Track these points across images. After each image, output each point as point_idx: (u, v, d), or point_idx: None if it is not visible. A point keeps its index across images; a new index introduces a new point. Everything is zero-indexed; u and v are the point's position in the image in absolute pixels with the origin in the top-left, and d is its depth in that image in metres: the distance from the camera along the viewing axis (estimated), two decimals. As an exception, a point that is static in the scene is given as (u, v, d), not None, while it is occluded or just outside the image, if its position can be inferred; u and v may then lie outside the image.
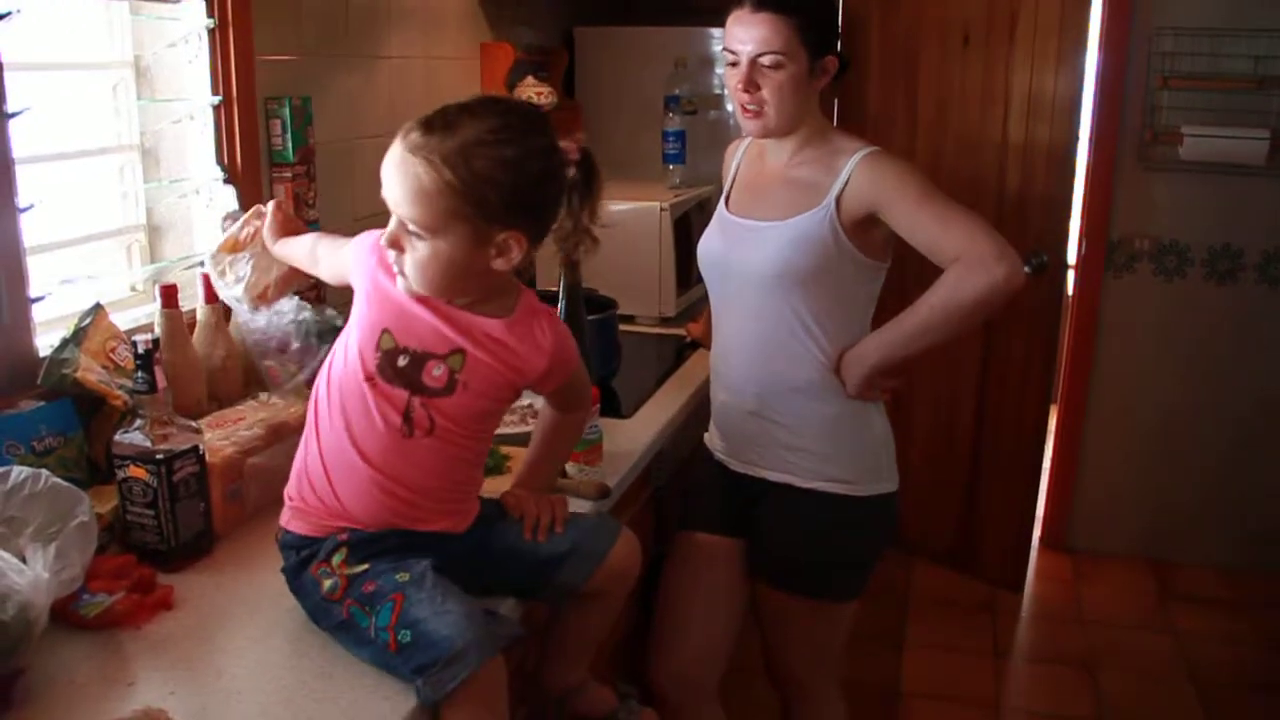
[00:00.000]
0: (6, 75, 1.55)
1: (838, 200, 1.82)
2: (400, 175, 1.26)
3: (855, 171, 1.82)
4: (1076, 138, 3.39)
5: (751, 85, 1.83)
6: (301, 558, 1.35)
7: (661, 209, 2.87)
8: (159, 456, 1.44)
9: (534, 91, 3.01)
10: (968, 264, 1.75)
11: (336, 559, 1.32)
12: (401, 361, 1.33)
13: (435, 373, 1.33)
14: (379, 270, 1.36)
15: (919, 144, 3.64)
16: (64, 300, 1.75)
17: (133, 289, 2.04)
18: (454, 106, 1.27)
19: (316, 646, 1.31)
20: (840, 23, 1.89)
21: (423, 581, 1.27)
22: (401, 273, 1.32)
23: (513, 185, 1.26)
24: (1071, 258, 3.67)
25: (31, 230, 1.70)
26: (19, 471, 1.31)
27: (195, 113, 1.96)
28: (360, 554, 1.32)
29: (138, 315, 1.92)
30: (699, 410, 2.23)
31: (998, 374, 3.63)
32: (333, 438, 1.34)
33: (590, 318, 2.18)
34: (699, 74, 3.33)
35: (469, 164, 1.23)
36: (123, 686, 1.22)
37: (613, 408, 2.17)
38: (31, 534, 1.28)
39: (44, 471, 1.32)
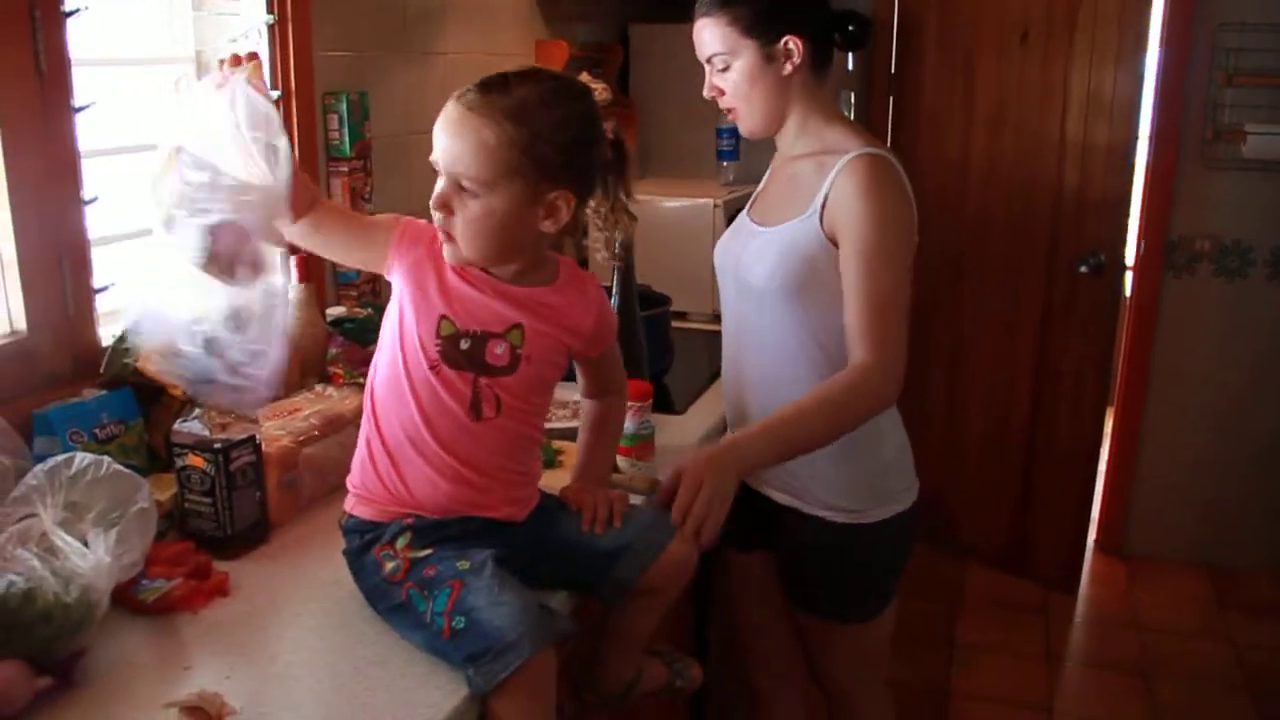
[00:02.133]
0: (76, 70, 1.58)
1: (822, 207, 1.69)
2: (460, 131, 1.28)
3: (838, 177, 1.67)
4: (1136, 136, 3.34)
5: (714, 90, 1.79)
6: (365, 541, 1.36)
7: (714, 205, 2.87)
8: (217, 446, 1.46)
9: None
10: (867, 380, 1.64)
11: (401, 542, 1.33)
12: (464, 345, 1.34)
13: (498, 351, 1.35)
14: (428, 260, 1.37)
15: (975, 142, 3.61)
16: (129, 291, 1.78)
17: (193, 281, 2.07)
18: (503, 73, 1.30)
19: (371, 634, 1.33)
20: (804, 3, 1.73)
21: (482, 570, 1.27)
22: (450, 238, 1.32)
23: (568, 144, 1.30)
24: (1130, 258, 3.62)
25: (97, 222, 1.74)
26: (82, 458, 1.33)
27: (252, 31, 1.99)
28: (425, 539, 1.33)
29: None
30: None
31: (1053, 375, 3.59)
32: (399, 428, 1.35)
33: (643, 314, 2.18)
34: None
35: (530, 120, 1.27)
36: (179, 670, 1.25)
37: (665, 403, 2.17)
38: (93, 519, 1.30)
39: (106, 458, 1.35)
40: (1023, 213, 3.55)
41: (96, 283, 1.64)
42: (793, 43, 1.70)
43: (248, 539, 1.53)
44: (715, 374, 2.37)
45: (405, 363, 1.35)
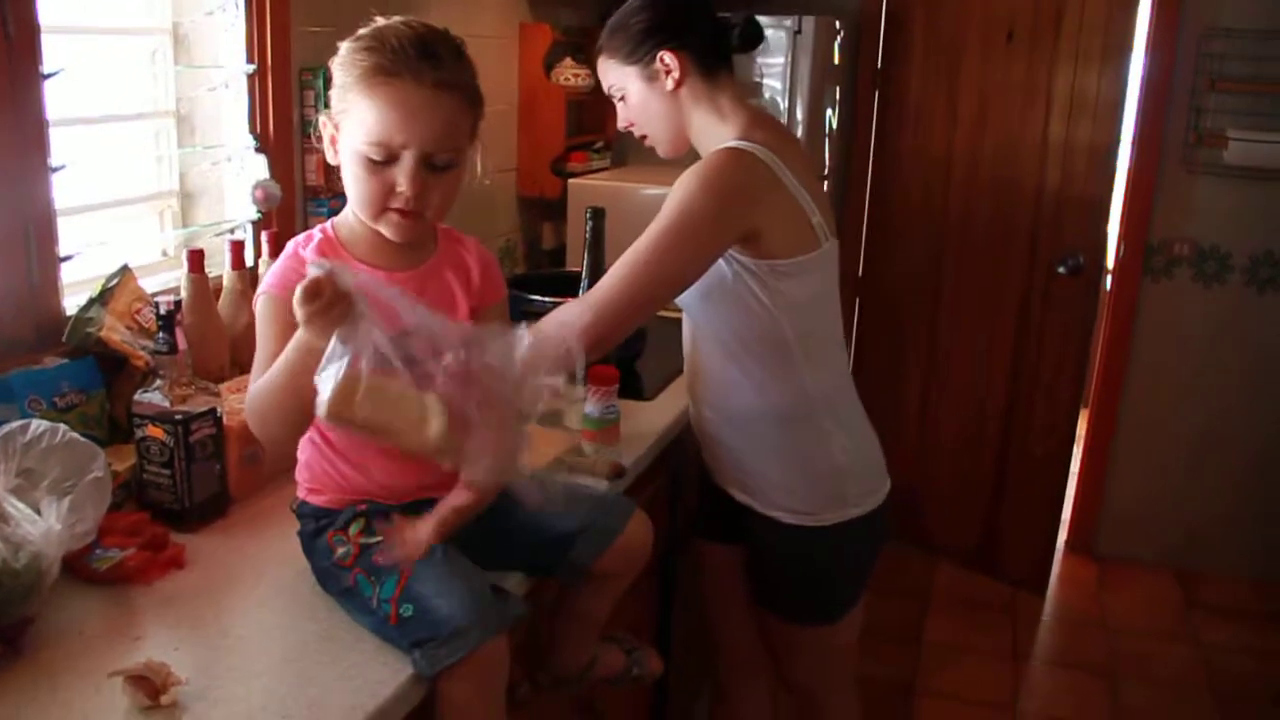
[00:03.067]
0: (47, 37, 1.57)
1: None
2: (435, 111, 1.27)
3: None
4: (1118, 138, 3.35)
5: (625, 123, 1.84)
6: (319, 525, 1.36)
7: (693, 195, 2.85)
8: (177, 417, 1.46)
9: (571, 74, 3.02)
10: (566, 317, 1.65)
11: (354, 528, 1.33)
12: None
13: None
14: None
15: (958, 141, 3.61)
16: (96, 262, 1.77)
17: (164, 254, 2.06)
18: (421, 39, 1.27)
19: (323, 610, 1.33)
20: (675, 14, 1.74)
21: (431, 556, 1.27)
22: (414, 216, 1.30)
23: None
24: (1109, 260, 3.64)
25: (67, 192, 1.73)
26: (37, 425, 1.33)
27: (230, 81, 1.98)
28: (374, 520, 1.33)
29: (167, 279, 1.94)
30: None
31: (1029, 374, 3.60)
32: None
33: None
34: (739, 60, 3.30)
35: (473, 79, 1.33)
36: (129, 640, 1.24)
37: (635, 390, 2.17)
38: (47, 487, 1.30)
39: (62, 426, 1.35)
40: (1004, 213, 3.56)
41: (62, 251, 1.63)
42: (667, 57, 1.72)
43: (206, 512, 1.53)
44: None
45: None
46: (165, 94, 2.03)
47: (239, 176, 2.04)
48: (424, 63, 1.25)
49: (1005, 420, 3.69)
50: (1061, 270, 3.42)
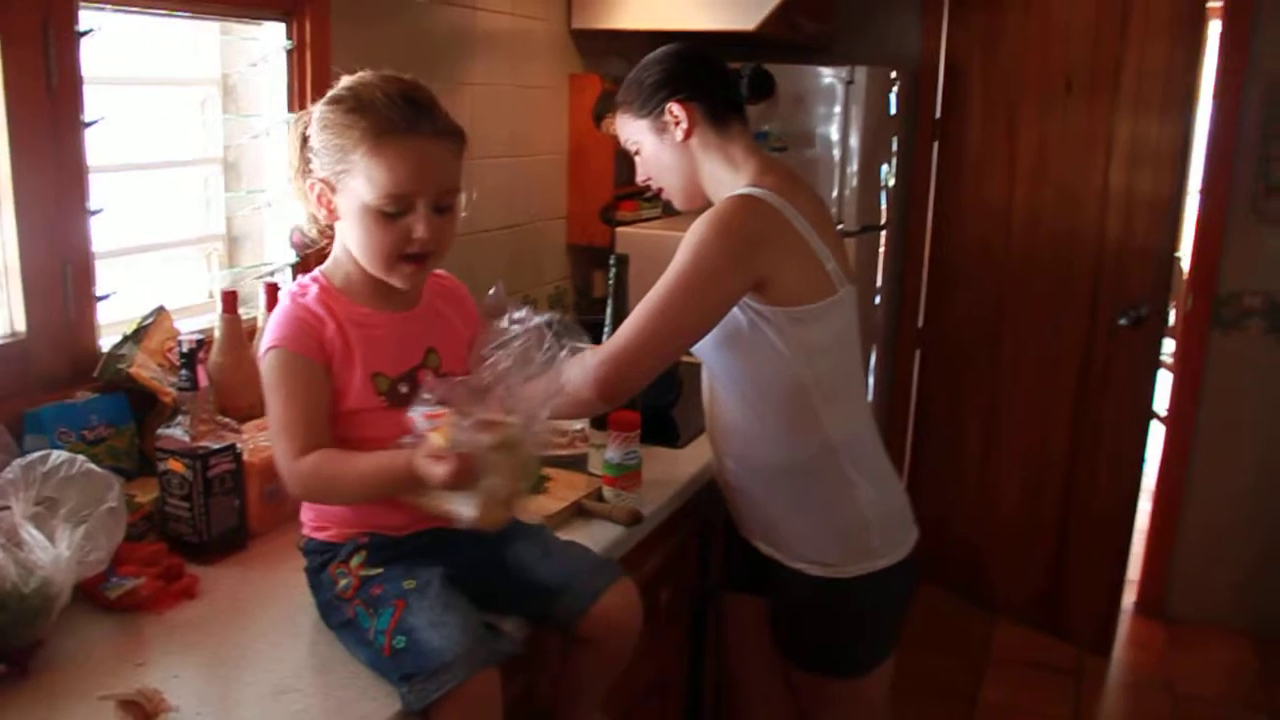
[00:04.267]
0: (100, 88, 1.66)
1: None
2: (444, 157, 1.34)
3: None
4: (1183, 188, 3.29)
5: (643, 178, 1.87)
6: (323, 559, 1.39)
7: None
8: (196, 452, 1.50)
9: (622, 124, 3.05)
10: (582, 366, 1.63)
11: (356, 560, 1.36)
12: (404, 389, 1.38)
13: (429, 379, 1.39)
14: (337, 329, 1.35)
15: (1018, 191, 3.57)
16: (142, 303, 1.83)
17: (210, 295, 2.13)
18: (407, 88, 1.33)
19: (322, 644, 1.35)
20: (684, 67, 1.77)
21: (427, 590, 1.29)
22: (424, 261, 1.36)
23: None
24: (1172, 313, 3.55)
25: (115, 234, 1.81)
26: (57, 455, 1.38)
27: (271, 128, 2.05)
28: (378, 557, 1.36)
29: (213, 320, 1.99)
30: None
31: (1091, 427, 3.51)
32: None
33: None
34: (793, 111, 3.33)
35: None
36: (132, 666, 1.27)
37: (667, 437, 2.17)
38: (64, 515, 1.34)
39: (80, 457, 1.39)
40: (1064, 263, 3.50)
41: (100, 290, 1.69)
42: (675, 108, 1.74)
43: (224, 545, 1.56)
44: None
45: (340, 423, 1.36)
46: (213, 141, 2.11)
47: (279, 220, 2.11)
48: (422, 115, 1.32)
49: (1067, 474, 3.59)
50: (1123, 322, 3.33)
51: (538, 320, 1.32)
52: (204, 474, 1.50)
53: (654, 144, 1.79)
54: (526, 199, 2.86)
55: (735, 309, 1.68)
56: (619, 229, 3.02)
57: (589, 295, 3.23)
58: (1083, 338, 3.49)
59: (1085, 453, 3.54)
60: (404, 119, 1.29)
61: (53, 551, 1.26)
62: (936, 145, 3.77)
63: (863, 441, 1.80)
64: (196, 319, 1.98)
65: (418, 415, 1.27)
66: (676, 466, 2.03)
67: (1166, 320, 3.46)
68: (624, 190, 3.13)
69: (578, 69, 3.00)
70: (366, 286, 1.39)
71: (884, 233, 3.61)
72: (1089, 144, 3.39)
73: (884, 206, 3.59)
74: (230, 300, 1.79)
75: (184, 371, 1.50)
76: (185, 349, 1.49)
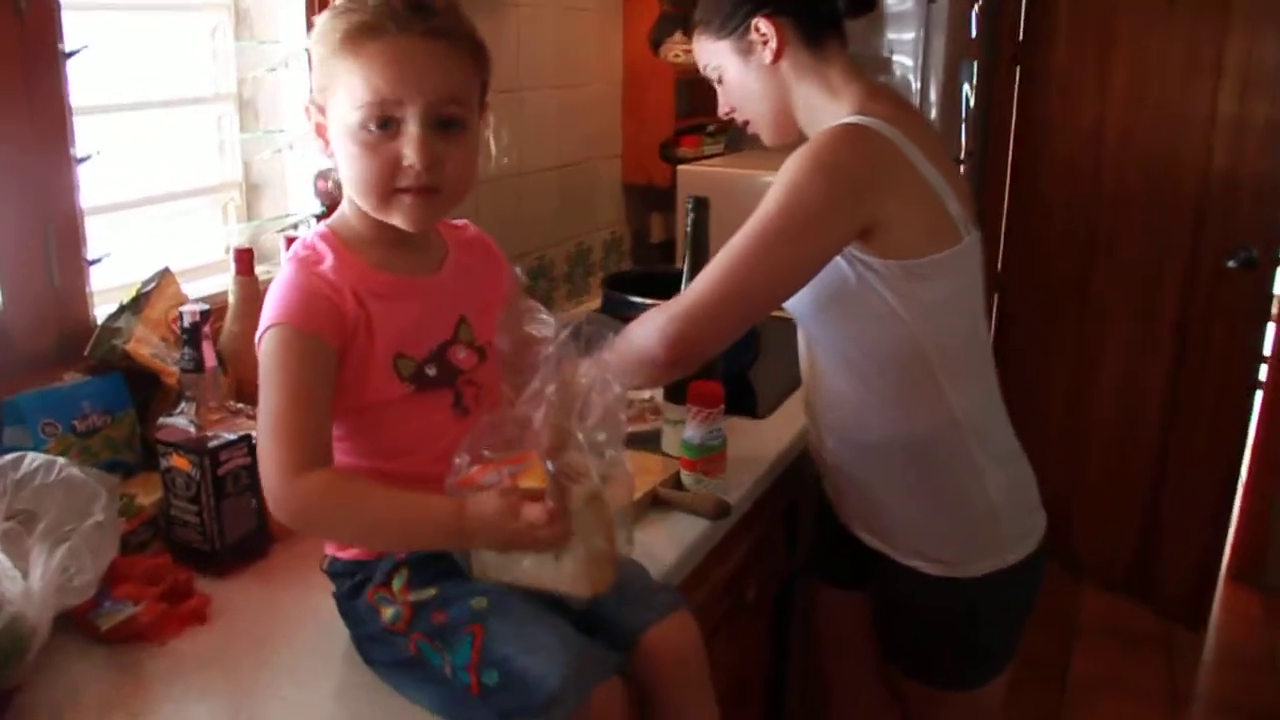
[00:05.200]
0: (91, 14, 1.41)
1: None
2: (432, 59, 1.05)
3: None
4: (1303, 115, 2.95)
5: (726, 108, 1.60)
6: (355, 583, 1.14)
7: (812, 182, 2.57)
8: (204, 445, 1.26)
9: (682, 49, 2.74)
10: (650, 326, 1.39)
11: (397, 582, 1.11)
12: (431, 371, 1.13)
13: (461, 355, 1.15)
14: (356, 302, 1.08)
15: (1110, 117, 3.24)
16: (148, 264, 1.58)
17: (227, 252, 1.88)
18: None
19: (355, 684, 1.11)
20: None
21: (506, 606, 1.06)
22: (432, 194, 1.08)
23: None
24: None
25: (109, 187, 1.56)
26: (32, 459, 1.14)
27: (290, 58, 1.78)
28: (425, 574, 1.11)
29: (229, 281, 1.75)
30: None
31: (1191, 378, 3.21)
32: (373, 458, 1.13)
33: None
34: (868, 32, 3.01)
35: (475, 31, 1.12)
36: (125, 716, 1.04)
37: (746, 405, 1.90)
38: (42, 532, 1.10)
39: (60, 460, 1.15)
40: (1163, 197, 3.17)
41: (90, 254, 1.44)
42: (762, 24, 1.47)
43: (241, 553, 1.32)
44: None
45: (361, 409, 1.11)
46: (226, 75, 1.84)
47: (303, 164, 1.85)
48: (413, 14, 1.05)
49: (1162, 430, 3.30)
50: (1231, 264, 3.01)
51: (564, 333, 1.07)
52: (214, 471, 1.26)
53: (738, 68, 1.52)
54: (577, 135, 2.57)
55: (839, 260, 1.41)
56: (680, 167, 2.72)
57: (647, 241, 2.95)
58: (1183, 280, 3.17)
59: (1184, 407, 3.24)
60: (391, 16, 1.04)
61: (22, 584, 1.03)
62: (1019, 69, 3.44)
63: (990, 415, 1.54)
64: (211, 280, 1.74)
65: (463, 465, 1.04)
66: (760, 441, 1.77)
67: (1278, 261, 3.13)
68: (686, 123, 2.83)
69: (632, -12, 2.69)
70: (379, 242, 1.12)
71: (964, 166, 3.30)
72: (1193, 65, 3.04)
73: (963, 138, 3.27)
74: (245, 259, 1.54)
75: (187, 349, 1.25)
76: (188, 322, 1.25)
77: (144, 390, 1.42)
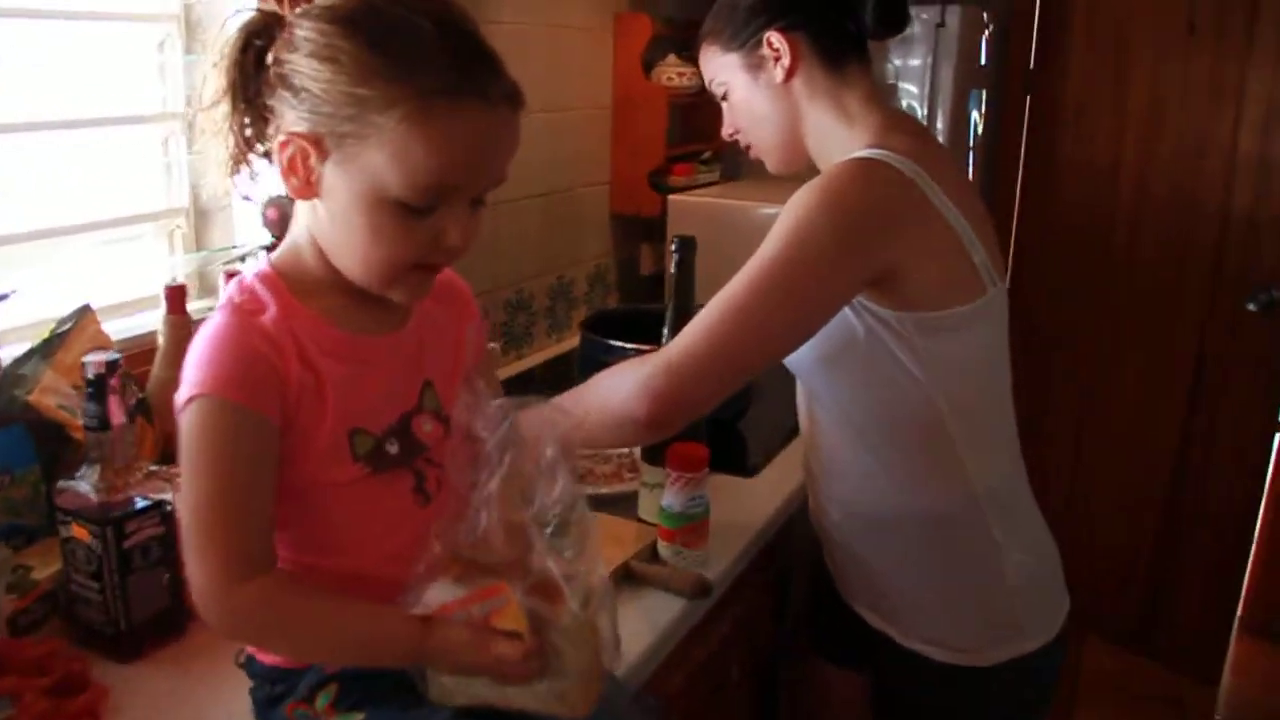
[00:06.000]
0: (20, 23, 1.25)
1: None
2: (507, 135, 0.89)
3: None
4: (1328, 151, 2.80)
5: (729, 128, 1.45)
6: (275, 693, 0.98)
7: (812, 215, 2.42)
8: (105, 515, 1.10)
9: (675, 72, 2.62)
10: (631, 379, 1.22)
11: (322, 700, 0.94)
12: (392, 449, 0.95)
13: (426, 428, 0.97)
14: (304, 364, 0.90)
15: (1124, 151, 3.09)
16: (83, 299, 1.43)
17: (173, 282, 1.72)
18: (456, 21, 0.87)
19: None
20: None
21: None
22: (439, 267, 0.93)
23: None
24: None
25: (38, 212, 1.42)
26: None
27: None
28: (355, 696, 0.94)
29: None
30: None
31: (1205, 424, 3.07)
32: (307, 550, 0.95)
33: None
34: (872, 57, 2.85)
35: None
36: None
37: (734, 460, 1.73)
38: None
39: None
40: (1181, 235, 3.02)
41: (-2, 287, 1.29)
42: (775, 39, 1.32)
43: (150, 635, 1.16)
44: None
45: (302, 493, 0.93)
46: (175, 93, 1.69)
47: (260, 189, 1.69)
48: (486, 69, 0.86)
49: (1174, 477, 3.15)
50: (1251, 306, 2.87)
51: (504, 425, 0.91)
52: (119, 544, 1.10)
53: (746, 86, 1.37)
54: (560, 161, 2.42)
55: (846, 312, 1.25)
56: (671, 197, 2.57)
57: (635, 273, 2.79)
58: (1200, 321, 3.03)
59: (1197, 454, 3.10)
60: (464, 74, 0.84)
61: None
62: (1029, 99, 3.29)
63: (1013, 490, 1.39)
64: (151, 316, 1.58)
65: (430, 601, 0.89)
66: (750, 503, 1.61)
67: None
68: (678, 151, 2.69)
69: (624, 7, 2.54)
70: (339, 294, 0.93)
71: (969, 200, 3.15)
72: (1215, 96, 2.91)
73: (970, 168, 3.12)
74: (176, 296, 1.39)
75: (90, 405, 1.10)
76: (91, 374, 1.09)
77: (51, 446, 1.26)
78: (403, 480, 0.95)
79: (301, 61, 0.85)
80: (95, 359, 1.09)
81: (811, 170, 1.34)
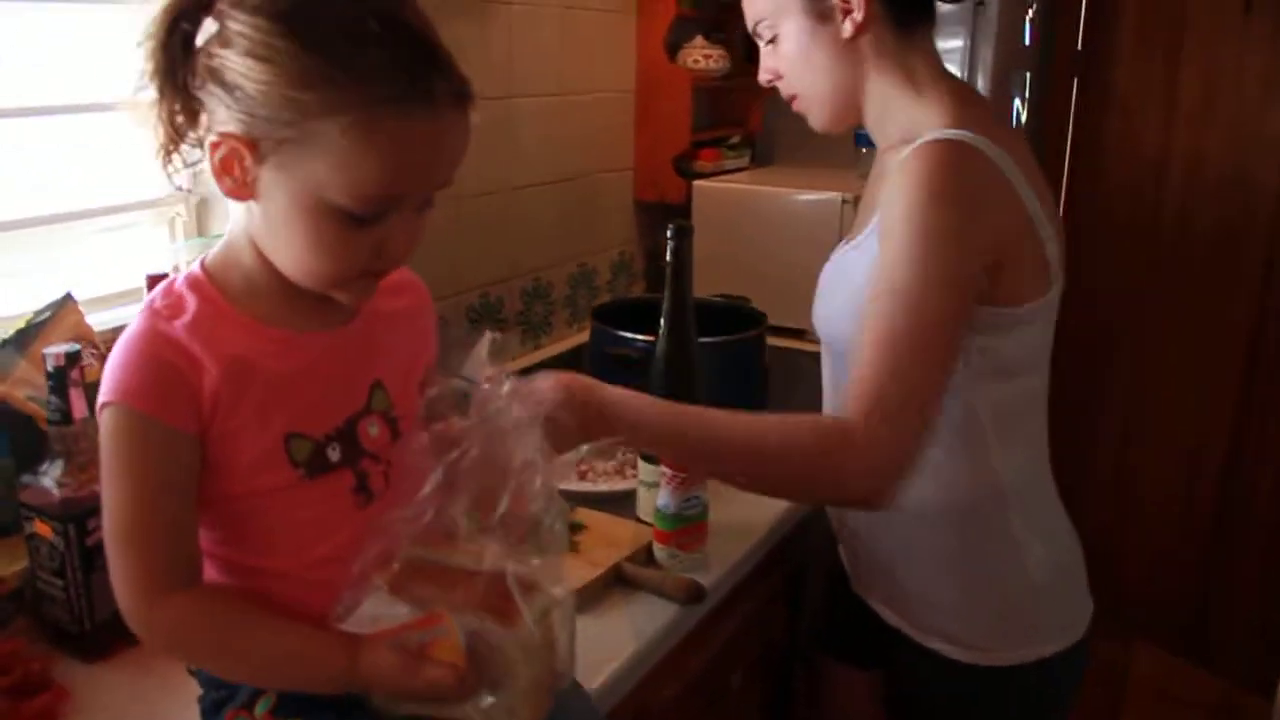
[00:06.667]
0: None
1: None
2: (456, 138, 0.84)
3: (894, 176, 1.18)
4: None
5: (769, 73, 1.33)
6: (216, 698, 0.93)
7: (844, 201, 2.34)
8: (67, 511, 1.06)
9: (701, 55, 2.54)
10: (840, 453, 1.07)
11: (261, 707, 0.90)
12: (333, 454, 0.89)
13: (372, 432, 0.92)
14: (223, 373, 0.84)
15: (1178, 137, 2.98)
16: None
17: (176, 270, 1.69)
18: (399, 14, 0.80)
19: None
20: None
21: None
22: (382, 271, 0.87)
23: None
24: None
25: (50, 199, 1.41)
26: None
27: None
28: (293, 704, 0.89)
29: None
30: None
31: (1258, 423, 2.96)
32: (241, 559, 0.90)
33: (729, 338, 1.70)
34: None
35: None
36: None
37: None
38: None
39: None
40: (1234, 227, 2.91)
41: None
42: None
43: (116, 633, 1.12)
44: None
45: (233, 499, 0.88)
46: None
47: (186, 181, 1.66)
48: (433, 70, 0.80)
49: (1224, 477, 3.04)
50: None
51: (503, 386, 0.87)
52: (81, 540, 1.07)
53: (804, 33, 1.26)
54: (582, 146, 2.36)
55: None
56: (697, 183, 2.50)
57: (660, 262, 2.73)
58: (1254, 316, 2.91)
59: (1249, 453, 3.00)
60: (411, 78, 0.78)
61: None
62: (1076, 82, 3.18)
63: (1040, 488, 1.34)
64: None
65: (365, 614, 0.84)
66: (755, 504, 1.52)
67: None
68: (704, 136, 2.62)
69: (647, -11, 2.48)
70: (279, 293, 0.87)
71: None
72: (1272, 81, 2.79)
73: (1013, 156, 3.02)
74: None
75: (53, 398, 1.07)
76: (51, 366, 1.06)
77: (25, 440, 1.22)
78: (340, 480, 0.90)
79: (235, 58, 0.78)
80: (55, 350, 1.06)
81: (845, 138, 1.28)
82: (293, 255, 0.84)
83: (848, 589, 1.47)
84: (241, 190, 0.82)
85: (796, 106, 1.34)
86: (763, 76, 1.35)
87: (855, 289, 1.18)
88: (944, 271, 1.10)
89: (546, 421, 0.91)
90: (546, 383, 1.05)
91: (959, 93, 1.25)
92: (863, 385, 1.09)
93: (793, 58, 1.29)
